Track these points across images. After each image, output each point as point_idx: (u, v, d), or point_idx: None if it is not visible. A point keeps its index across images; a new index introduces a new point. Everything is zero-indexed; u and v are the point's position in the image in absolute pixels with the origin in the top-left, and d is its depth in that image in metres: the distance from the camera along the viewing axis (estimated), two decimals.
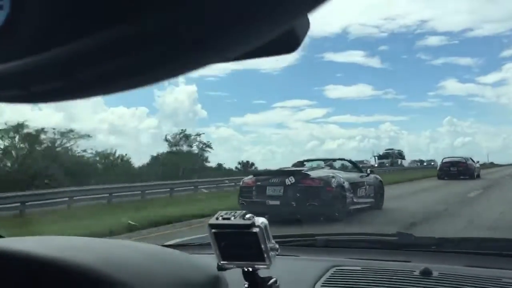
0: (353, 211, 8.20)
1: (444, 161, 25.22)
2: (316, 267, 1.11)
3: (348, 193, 8.27)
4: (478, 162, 28.05)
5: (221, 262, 0.91)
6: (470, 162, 24.82)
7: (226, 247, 0.90)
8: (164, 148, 33.60)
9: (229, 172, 31.94)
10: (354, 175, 9.38)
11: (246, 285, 0.94)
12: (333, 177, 8.15)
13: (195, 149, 34.76)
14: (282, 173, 8.37)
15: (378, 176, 10.32)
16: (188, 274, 0.91)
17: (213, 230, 0.88)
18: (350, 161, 10.89)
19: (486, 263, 1.15)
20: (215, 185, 18.45)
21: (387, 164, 46.10)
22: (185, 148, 33.40)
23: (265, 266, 0.87)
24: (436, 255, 1.23)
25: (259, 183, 8.16)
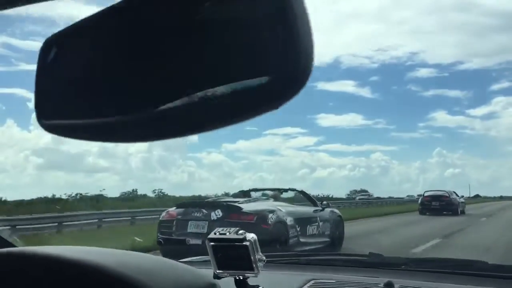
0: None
1: (425, 194, 23.43)
2: (297, 280, 1.29)
3: (291, 232, 6.99)
4: (462, 196, 25.68)
5: (217, 271, 1.09)
6: (453, 196, 23.14)
7: (222, 258, 1.07)
8: None
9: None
10: (304, 209, 8.00)
11: None
12: (271, 211, 6.81)
13: None
14: (209, 205, 7.11)
15: (336, 210, 9.04)
16: (190, 282, 1.09)
17: (211, 243, 1.07)
18: (302, 192, 9.22)
19: (444, 279, 1.34)
20: None
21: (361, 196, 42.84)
22: None
23: (254, 275, 1.05)
24: (401, 272, 1.42)
25: (180, 216, 6.88)
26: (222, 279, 1.12)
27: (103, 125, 0.46)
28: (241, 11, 0.40)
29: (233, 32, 0.40)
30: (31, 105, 0.53)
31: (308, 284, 1.27)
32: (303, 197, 9.09)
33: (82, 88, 0.49)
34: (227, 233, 1.06)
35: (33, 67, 0.51)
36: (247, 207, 6.84)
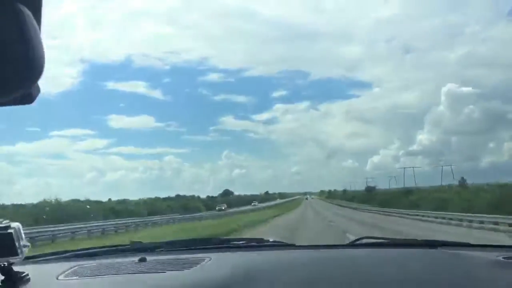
0: None
1: None
2: (62, 266, 1.49)
3: None
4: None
5: None
6: None
7: None
8: None
9: None
10: None
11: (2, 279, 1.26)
12: None
13: None
14: None
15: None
16: None
17: None
18: None
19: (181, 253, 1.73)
20: None
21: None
22: None
23: (19, 258, 1.21)
24: (157, 252, 1.76)
25: None
26: None
27: None
28: None
29: None
30: None
31: (72, 268, 1.48)
32: None
33: None
34: None
35: None
36: None
